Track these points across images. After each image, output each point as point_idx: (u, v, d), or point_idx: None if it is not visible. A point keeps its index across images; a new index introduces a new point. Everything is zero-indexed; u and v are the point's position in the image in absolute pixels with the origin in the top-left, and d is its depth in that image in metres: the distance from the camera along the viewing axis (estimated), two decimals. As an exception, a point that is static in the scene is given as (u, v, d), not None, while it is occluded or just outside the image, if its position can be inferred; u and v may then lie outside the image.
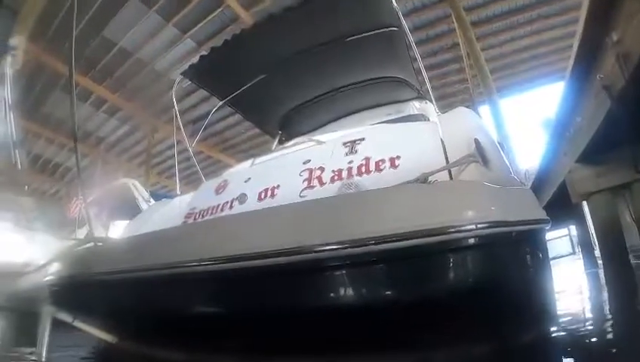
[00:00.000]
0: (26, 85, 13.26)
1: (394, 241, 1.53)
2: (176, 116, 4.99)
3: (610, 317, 3.30)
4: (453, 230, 1.55)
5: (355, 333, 1.68)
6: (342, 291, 1.72)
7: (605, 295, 4.19)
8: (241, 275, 1.75)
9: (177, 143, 5.41)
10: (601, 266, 6.11)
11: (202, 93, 11.98)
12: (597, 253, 6.51)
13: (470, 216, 1.61)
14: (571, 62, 3.41)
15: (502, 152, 2.52)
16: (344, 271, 1.67)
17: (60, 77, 13.37)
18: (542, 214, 2.07)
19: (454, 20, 10.34)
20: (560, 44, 12.45)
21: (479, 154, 2.22)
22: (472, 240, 1.60)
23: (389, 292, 1.70)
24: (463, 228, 1.56)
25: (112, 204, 9.43)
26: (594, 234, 6.50)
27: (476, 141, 2.30)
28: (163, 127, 15.91)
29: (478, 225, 1.58)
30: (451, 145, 2.46)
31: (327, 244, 1.60)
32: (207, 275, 1.82)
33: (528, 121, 20.07)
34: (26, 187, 13.00)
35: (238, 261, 1.72)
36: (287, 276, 1.70)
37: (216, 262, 1.77)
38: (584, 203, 4.75)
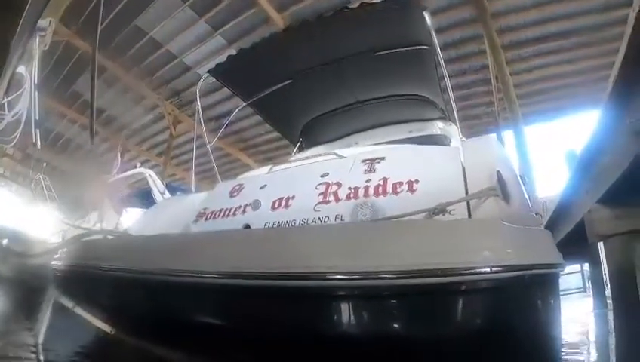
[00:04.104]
0: (55, 66, 13.47)
1: (405, 278, 1.50)
2: (198, 112, 5.00)
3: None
4: (466, 272, 1.51)
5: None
6: (346, 321, 1.67)
7: (612, 338, 4.11)
8: (243, 293, 1.73)
9: (197, 138, 5.43)
10: (611, 307, 6.00)
11: (226, 91, 12.03)
12: (607, 292, 6.40)
13: (485, 259, 1.58)
14: (604, 100, 3.33)
15: (523, 187, 2.47)
16: (350, 302, 1.64)
17: (89, 60, 13.56)
18: (558, 258, 2.01)
19: (485, 42, 10.23)
20: (592, 76, 12.19)
21: (500, 188, 2.17)
22: (483, 284, 1.56)
23: (395, 327, 1.66)
24: (476, 270, 1.53)
25: (126, 191, 9.51)
26: (606, 274, 6.39)
27: (498, 173, 2.25)
28: (186, 119, 15.99)
29: (493, 269, 1.54)
30: (472, 175, 2.41)
31: (337, 273, 1.58)
32: (207, 288, 1.82)
33: (552, 150, 19.72)
34: (45, 164, 13.18)
35: (240, 278, 1.70)
36: (291, 300, 1.68)
37: (218, 276, 1.76)
38: (600, 243, 4.66)
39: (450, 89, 4.47)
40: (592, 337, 4.51)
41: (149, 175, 8.02)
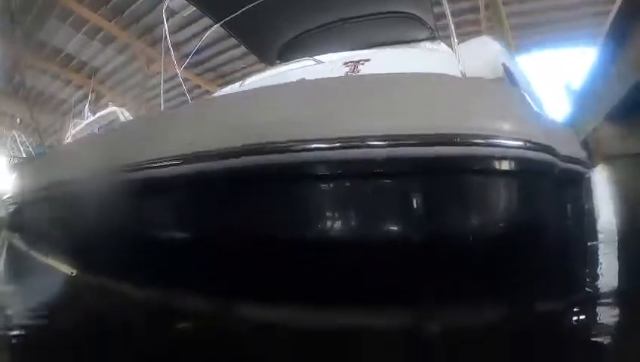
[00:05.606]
0: (20, 10, 12.64)
1: (405, 145, 1.05)
2: (165, 37, 4.56)
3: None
4: (483, 141, 1.08)
5: (335, 272, 1.23)
6: (323, 211, 1.22)
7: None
8: (199, 179, 1.34)
9: (171, 74, 5.02)
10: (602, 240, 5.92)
11: (202, 23, 11.34)
12: (599, 226, 6.30)
13: (513, 128, 1.13)
14: (612, 14, 3.03)
15: (530, 81, 2.16)
16: (329, 184, 1.17)
17: (53, 5, 12.77)
18: (586, 156, 1.65)
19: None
20: (588, 10, 11.90)
21: (509, 80, 1.83)
22: (508, 163, 1.12)
23: (388, 219, 1.21)
24: (501, 141, 1.09)
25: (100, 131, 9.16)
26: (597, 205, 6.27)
27: (504, 66, 1.92)
28: (159, 59, 15.24)
29: (527, 144, 1.12)
30: (473, 72, 2.05)
31: (313, 141, 1.12)
32: (155, 179, 1.43)
33: (546, 80, 19.12)
34: (19, 120, 12.67)
35: (199, 161, 1.30)
36: (250, 181, 1.26)
37: (165, 163, 1.38)
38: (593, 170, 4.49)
39: (446, 5, 4.09)
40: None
41: (121, 112, 7.70)
